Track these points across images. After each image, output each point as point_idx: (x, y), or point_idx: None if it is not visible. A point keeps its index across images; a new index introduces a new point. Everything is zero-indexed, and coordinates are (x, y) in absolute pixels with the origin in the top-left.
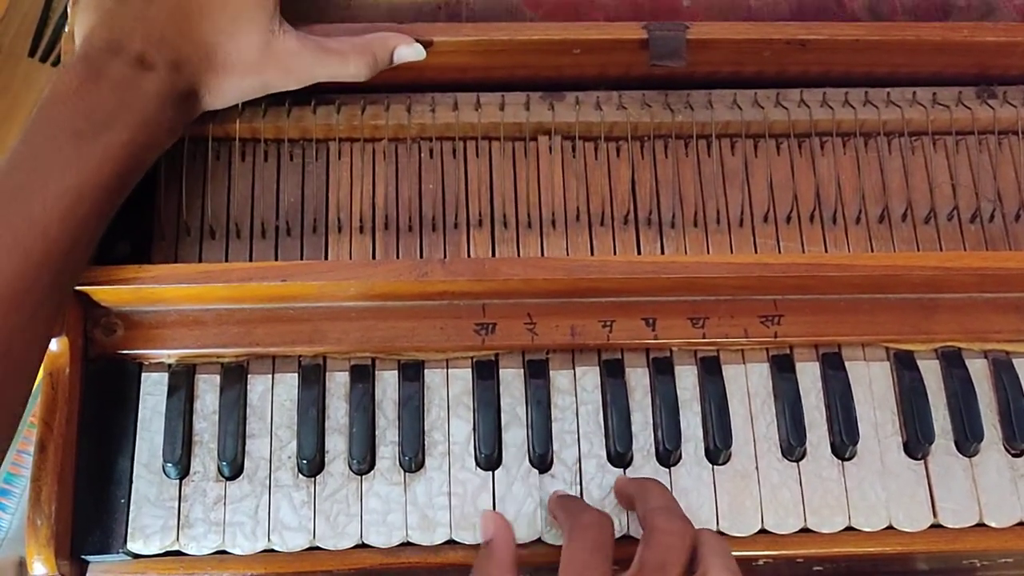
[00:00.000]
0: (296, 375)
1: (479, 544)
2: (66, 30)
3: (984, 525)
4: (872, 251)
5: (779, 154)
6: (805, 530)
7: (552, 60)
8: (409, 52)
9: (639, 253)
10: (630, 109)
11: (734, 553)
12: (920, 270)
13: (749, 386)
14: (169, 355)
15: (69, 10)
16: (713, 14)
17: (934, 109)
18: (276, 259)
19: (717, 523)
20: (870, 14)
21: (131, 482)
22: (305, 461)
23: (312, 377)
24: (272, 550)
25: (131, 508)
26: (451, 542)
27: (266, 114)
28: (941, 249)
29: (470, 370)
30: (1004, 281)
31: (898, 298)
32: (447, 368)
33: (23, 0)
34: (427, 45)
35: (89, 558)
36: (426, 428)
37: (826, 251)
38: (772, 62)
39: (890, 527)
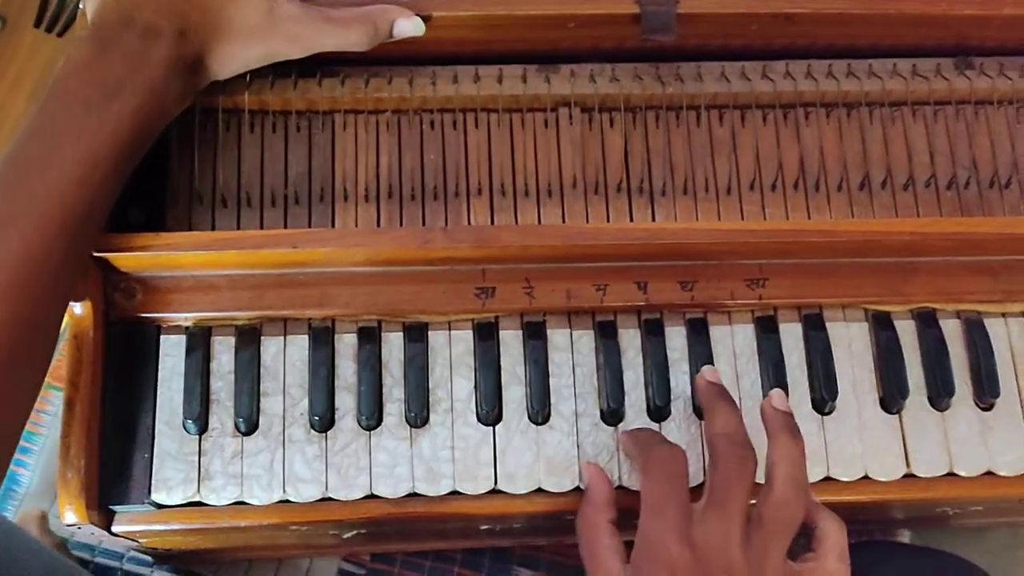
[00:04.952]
0: (307, 337)
1: (481, 494)
2: (80, 6)
3: (954, 474)
4: (853, 217)
5: (765, 124)
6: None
7: (548, 34)
8: (408, 26)
9: (631, 220)
10: (623, 81)
11: None
12: (898, 235)
13: (735, 346)
14: (186, 318)
15: None
16: None
17: (914, 80)
18: (285, 227)
19: (704, 474)
20: None
21: (153, 437)
22: (317, 418)
23: (322, 339)
24: (287, 501)
25: (154, 462)
26: (454, 493)
27: (273, 86)
28: (919, 215)
29: (471, 332)
30: (977, 245)
31: (877, 262)
32: (449, 330)
33: None
34: (426, 19)
35: (116, 508)
36: (430, 386)
37: (809, 217)
38: (759, 35)
39: (866, 477)
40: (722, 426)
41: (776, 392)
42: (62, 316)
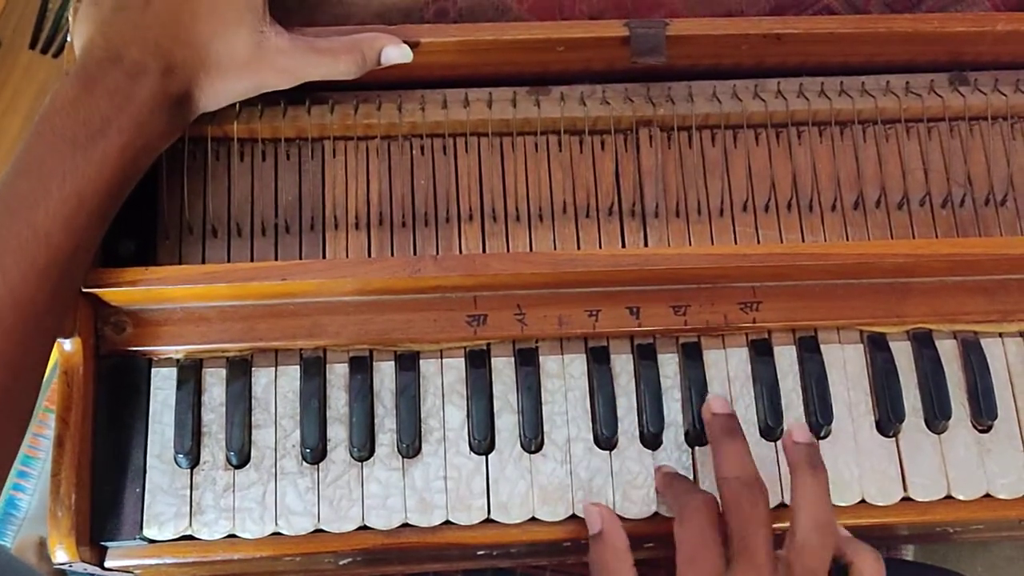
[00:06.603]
0: (298, 367)
1: (474, 524)
2: (68, 39)
3: (952, 498)
4: (847, 237)
5: (758, 144)
6: (783, 505)
7: (537, 57)
8: (396, 53)
9: (623, 243)
10: (613, 103)
11: None
12: (892, 257)
13: (729, 370)
14: (177, 351)
15: (70, 19)
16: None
17: (907, 97)
18: (276, 256)
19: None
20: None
21: (145, 472)
22: (308, 449)
23: (313, 369)
24: (279, 533)
25: (146, 496)
26: (447, 523)
27: (263, 114)
28: (914, 234)
29: (463, 359)
30: (973, 266)
31: (871, 283)
32: (441, 358)
33: None
34: (414, 46)
35: (107, 544)
36: (422, 416)
37: (803, 238)
38: (749, 55)
39: (863, 501)
40: (729, 469)
41: (796, 425)
42: (48, 356)
